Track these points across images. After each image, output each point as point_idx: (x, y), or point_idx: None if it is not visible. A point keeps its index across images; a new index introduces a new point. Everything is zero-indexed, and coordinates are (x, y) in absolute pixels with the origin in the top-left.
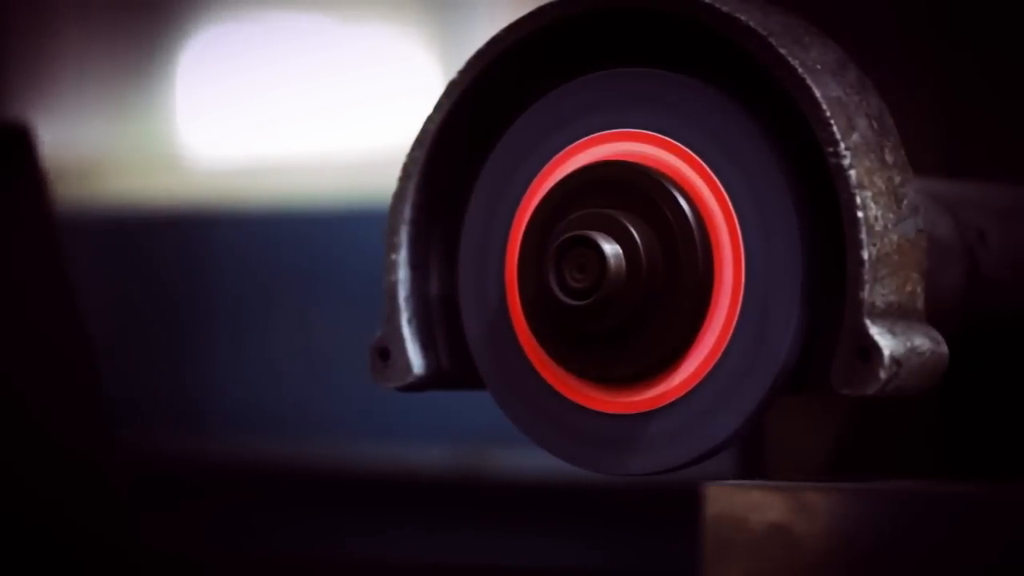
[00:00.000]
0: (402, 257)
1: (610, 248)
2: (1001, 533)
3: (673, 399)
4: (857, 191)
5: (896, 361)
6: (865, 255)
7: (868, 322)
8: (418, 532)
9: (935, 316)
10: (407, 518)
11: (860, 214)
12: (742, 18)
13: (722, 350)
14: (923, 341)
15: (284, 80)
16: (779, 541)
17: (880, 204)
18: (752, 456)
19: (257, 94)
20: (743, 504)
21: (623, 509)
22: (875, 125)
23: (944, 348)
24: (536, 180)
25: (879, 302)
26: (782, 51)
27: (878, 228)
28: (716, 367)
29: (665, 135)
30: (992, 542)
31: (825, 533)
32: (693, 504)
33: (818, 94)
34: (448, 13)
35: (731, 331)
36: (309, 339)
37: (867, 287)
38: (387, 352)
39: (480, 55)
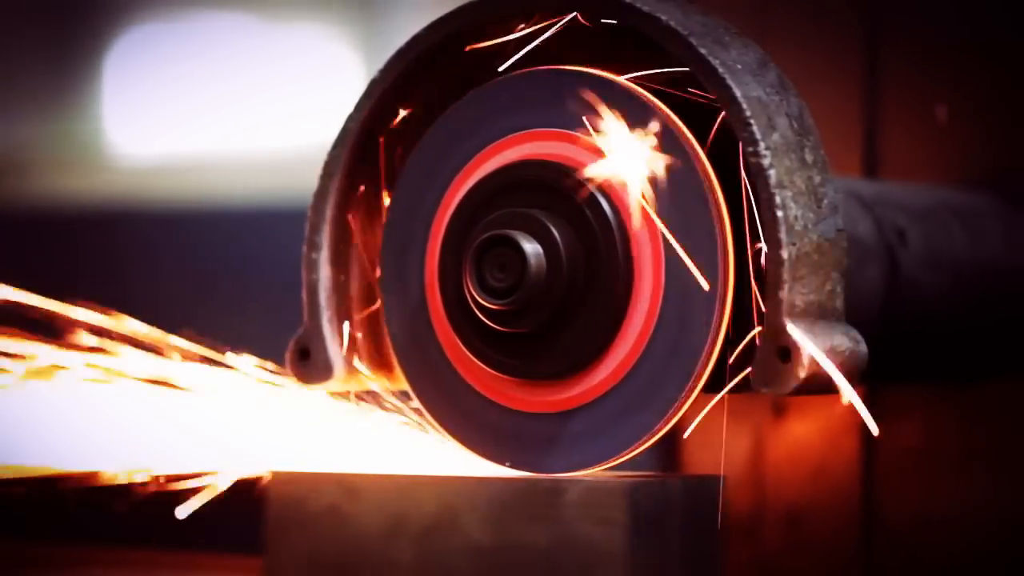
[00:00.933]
0: (323, 256)
1: (531, 247)
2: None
3: (594, 398)
4: (777, 191)
5: (815, 360)
6: (785, 254)
7: (788, 321)
8: None
9: (855, 315)
10: None
11: (780, 213)
12: (663, 18)
13: (642, 349)
14: (842, 340)
15: (209, 78)
16: (332, 521)
17: (800, 204)
18: (673, 453)
19: (182, 92)
20: (301, 488)
21: None
22: (795, 125)
23: (863, 347)
24: (457, 179)
25: (799, 301)
26: (702, 51)
27: (798, 227)
28: (636, 366)
29: (585, 134)
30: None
31: (369, 513)
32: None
33: (738, 94)
34: (372, 12)
35: (651, 330)
36: (236, 337)
37: (787, 286)
38: (307, 351)
39: (400, 55)
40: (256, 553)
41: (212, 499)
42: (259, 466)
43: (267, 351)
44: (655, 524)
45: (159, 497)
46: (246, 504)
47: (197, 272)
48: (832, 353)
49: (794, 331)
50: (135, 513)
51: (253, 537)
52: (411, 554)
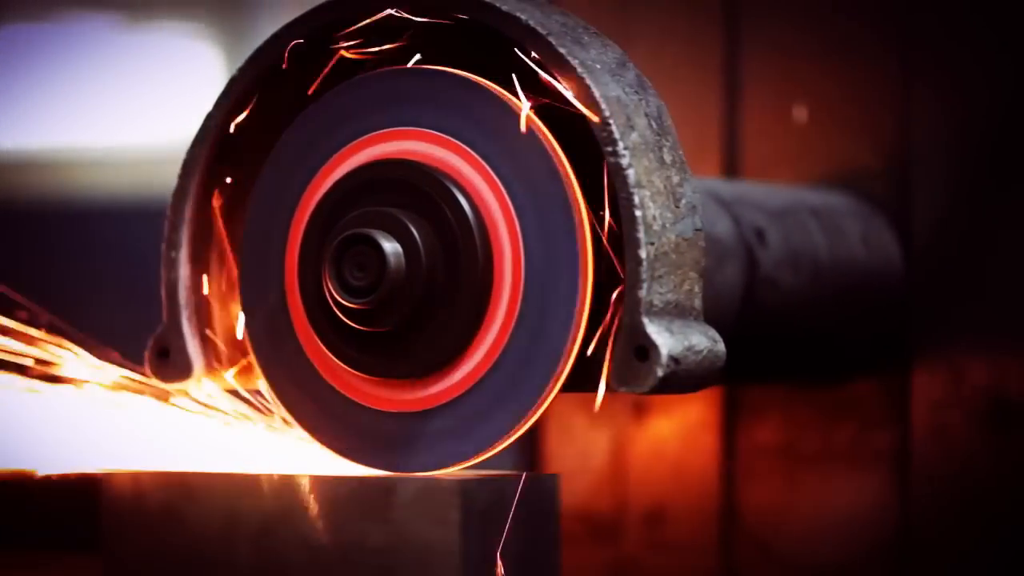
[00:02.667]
0: (182, 255)
1: (390, 246)
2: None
3: (453, 396)
4: (635, 190)
5: (674, 359)
6: (643, 254)
7: (646, 320)
8: None
9: (713, 314)
10: None
11: (638, 213)
12: (522, 17)
13: (501, 348)
14: (700, 339)
15: (74, 77)
16: (169, 521)
17: (658, 203)
18: (534, 452)
19: (49, 90)
20: (135, 487)
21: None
22: (654, 125)
23: (721, 346)
24: (316, 178)
25: (657, 300)
26: (562, 51)
27: (656, 227)
28: (496, 365)
29: (446, 134)
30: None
31: (206, 512)
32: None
33: (597, 93)
34: (236, 12)
35: (510, 329)
36: (99, 332)
37: (645, 286)
38: (167, 350)
39: (260, 53)
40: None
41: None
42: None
43: (132, 347)
44: (489, 523)
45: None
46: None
47: (63, 267)
48: (690, 352)
49: (652, 330)
50: None
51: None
52: (248, 554)
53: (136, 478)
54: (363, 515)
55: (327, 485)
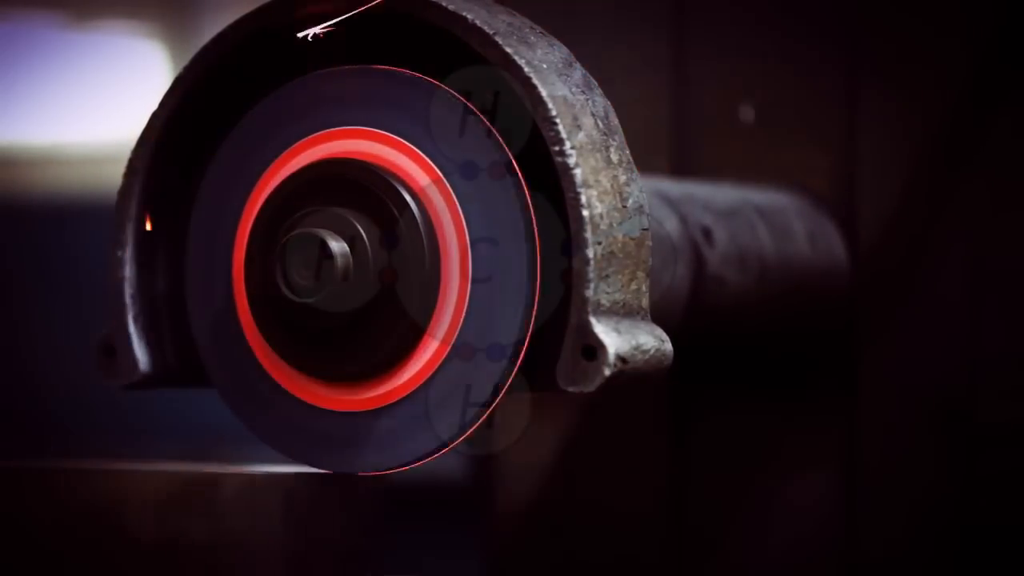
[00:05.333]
0: (128, 254)
1: (337, 246)
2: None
3: (401, 396)
4: (582, 190)
5: (621, 359)
6: (590, 253)
7: (593, 320)
8: None
9: (660, 313)
10: None
11: (585, 212)
12: (468, 16)
13: (449, 347)
14: (648, 339)
15: (15, 74)
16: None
17: (605, 203)
18: (483, 451)
19: None
20: None
21: None
22: (601, 124)
23: (668, 346)
24: (263, 177)
25: (604, 300)
26: (508, 50)
27: (603, 226)
28: (443, 365)
29: (393, 133)
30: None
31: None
32: None
33: (543, 93)
34: (184, 10)
35: (458, 329)
36: (43, 335)
37: (592, 285)
38: (112, 350)
39: (205, 52)
40: None
41: None
42: None
43: (81, 345)
44: (311, 518)
45: None
46: None
47: (5, 265)
48: (637, 352)
49: (599, 330)
50: None
51: None
52: (73, 547)
53: None
54: (189, 510)
55: (152, 479)
